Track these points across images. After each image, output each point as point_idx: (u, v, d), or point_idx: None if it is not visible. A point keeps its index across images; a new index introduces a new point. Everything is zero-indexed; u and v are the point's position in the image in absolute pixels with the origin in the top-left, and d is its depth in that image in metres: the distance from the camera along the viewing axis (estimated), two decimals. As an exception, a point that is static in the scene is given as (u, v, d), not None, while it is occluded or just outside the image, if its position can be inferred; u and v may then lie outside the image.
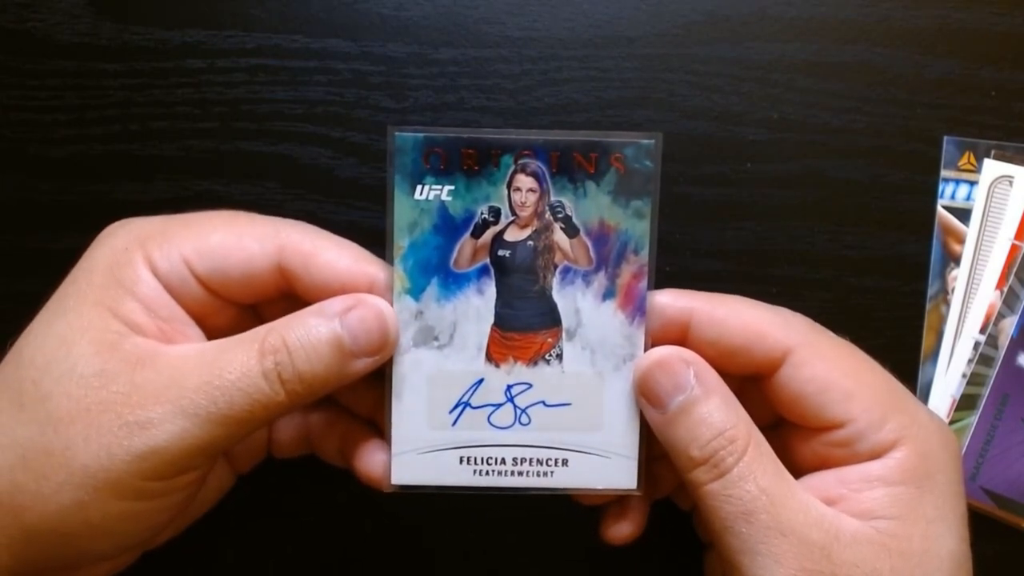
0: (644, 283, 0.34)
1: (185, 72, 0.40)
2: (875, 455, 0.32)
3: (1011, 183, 0.41)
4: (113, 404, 0.30)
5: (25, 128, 0.40)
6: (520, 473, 0.34)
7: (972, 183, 0.41)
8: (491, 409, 0.34)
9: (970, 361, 0.41)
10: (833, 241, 0.41)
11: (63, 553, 0.30)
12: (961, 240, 0.41)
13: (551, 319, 0.34)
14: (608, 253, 0.33)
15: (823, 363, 0.33)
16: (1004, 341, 0.41)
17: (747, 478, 0.31)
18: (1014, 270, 0.41)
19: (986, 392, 0.41)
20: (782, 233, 0.41)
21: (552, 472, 0.34)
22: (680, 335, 0.34)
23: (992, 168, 0.41)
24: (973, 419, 0.41)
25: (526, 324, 0.34)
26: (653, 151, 0.33)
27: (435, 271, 0.33)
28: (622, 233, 0.33)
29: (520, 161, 0.33)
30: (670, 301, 0.34)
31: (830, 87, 0.41)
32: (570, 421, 0.34)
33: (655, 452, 0.34)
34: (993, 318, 0.41)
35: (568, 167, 0.33)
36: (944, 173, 0.41)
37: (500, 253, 0.33)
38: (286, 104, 0.40)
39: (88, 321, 0.31)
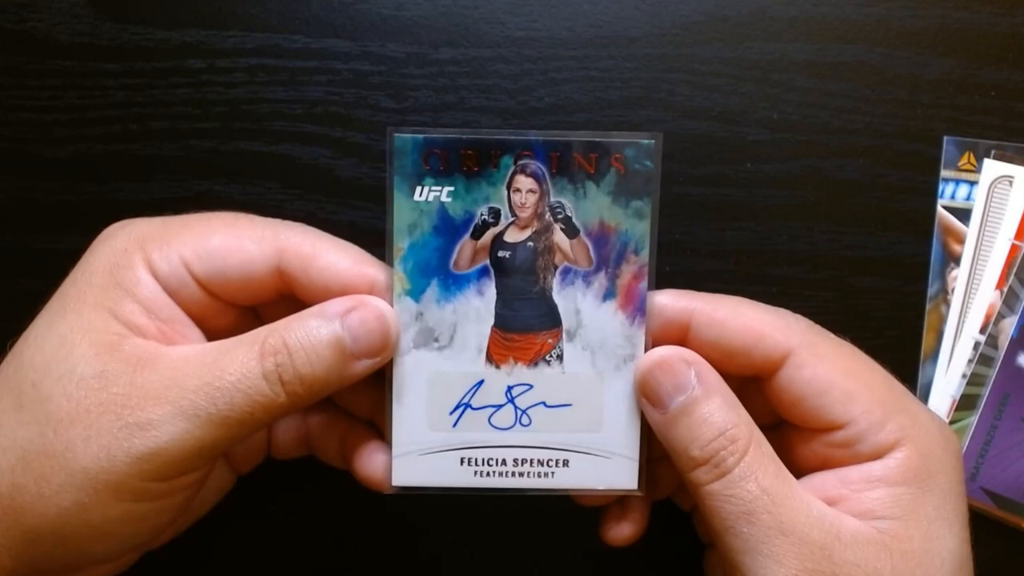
0: (644, 283, 0.34)
1: (185, 72, 0.40)
2: (876, 455, 0.32)
3: (1011, 183, 0.41)
4: (113, 405, 0.30)
5: (25, 128, 0.40)
6: (521, 474, 0.34)
7: (972, 183, 0.41)
8: (492, 410, 0.34)
9: (970, 361, 0.41)
10: (833, 241, 0.41)
11: (63, 554, 0.30)
12: (961, 240, 0.41)
13: (551, 320, 0.34)
14: (608, 253, 0.33)
15: (823, 364, 0.33)
16: (1004, 341, 0.41)
17: (748, 478, 0.31)
18: (1014, 270, 0.41)
19: (986, 392, 0.41)
20: (782, 233, 0.41)
21: (553, 473, 0.34)
22: (680, 336, 0.34)
23: (992, 168, 0.41)
24: (973, 419, 0.41)
25: (526, 325, 0.34)
26: (653, 151, 0.33)
27: (435, 272, 0.33)
28: (622, 233, 0.33)
29: (520, 162, 0.33)
30: (670, 301, 0.34)
31: (830, 87, 0.41)
32: (571, 422, 0.34)
33: (656, 453, 0.35)
34: (993, 318, 0.41)
35: (568, 168, 0.33)
36: (944, 173, 0.41)
37: (500, 254, 0.33)
38: (286, 104, 0.40)
39: (88, 322, 0.31)
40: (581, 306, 0.34)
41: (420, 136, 0.33)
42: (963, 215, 0.41)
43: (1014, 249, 0.41)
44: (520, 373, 0.34)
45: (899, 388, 0.33)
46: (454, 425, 0.34)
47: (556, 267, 0.34)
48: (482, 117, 0.41)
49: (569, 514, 0.38)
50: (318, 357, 0.31)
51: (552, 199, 0.33)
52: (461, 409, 0.34)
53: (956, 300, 0.41)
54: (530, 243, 0.33)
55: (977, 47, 0.41)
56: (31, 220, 0.41)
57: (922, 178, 0.41)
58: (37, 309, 0.32)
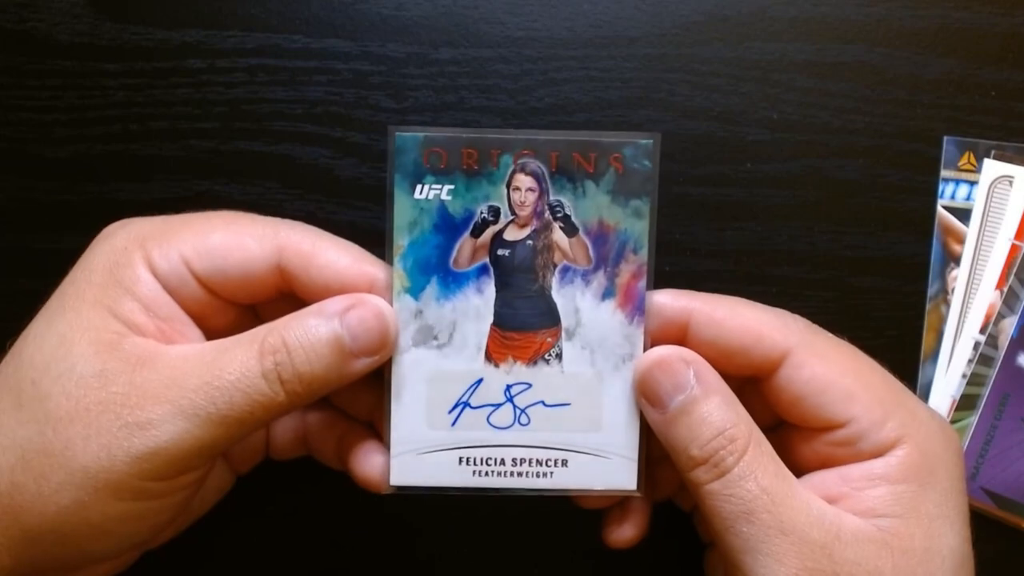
0: (643, 283, 0.34)
1: (185, 72, 0.40)
2: (877, 454, 0.32)
3: (1011, 183, 0.41)
4: (112, 404, 0.30)
5: (25, 128, 0.40)
6: (519, 474, 0.34)
7: (972, 183, 0.41)
8: (490, 409, 0.34)
9: (970, 361, 0.41)
10: (833, 241, 0.41)
11: (63, 553, 0.30)
12: (961, 240, 0.41)
13: (550, 319, 0.34)
14: (607, 252, 0.33)
15: (822, 363, 0.33)
16: (1004, 341, 0.41)
17: (748, 477, 0.31)
18: (1014, 270, 0.41)
19: (986, 392, 0.41)
20: (782, 233, 0.41)
21: (552, 473, 0.34)
22: (679, 335, 0.34)
23: (992, 168, 0.41)
24: (973, 419, 0.41)
25: (525, 323, 0.34)
26: (652, 151, 0.33)
27: (435, 270, 0.33)
28: (621, 232, 0.33)
29: (520, 161, 0.33)
30: (669, 301, 0.34)
31: (830, 87, 0.41)
32: (570, 421, 0.34)
33: (656, 454, 0.34)
34: (993, 318, 0.41)
35: (567, 167, 0.33)
36: (944, 173, 0.41)
37: (499, 252, 0.33)
38: (286, 104, 0.40)
39: (87, 321, 0.31)
40: (580, 305, 0.34)
41: (421, 134, 0.33)
42: (963, 215, 0.41)
43: (1014, 249, 0.41)
44: (519, 372, 0.34)
45: (898, 386, 0.33)
46: (453, 424, 0.34)
47: (555, 266, 0.34)
48: (482, 117, 0.41)
49: (569, 514, 0.38)
50: (317, 356, 0.31)
51: (551, 198, 0.33)
52: (460, 408, 0.34)
53: (956, 300, 0.41)
54: (529, 241, 0.33)
55: (977, 47, 0.41)
56: (31, 220, 0.41)
57: (922, 178, 0.41)
58: (37, 309, 0.32)
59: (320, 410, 0.37)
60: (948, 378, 0.41)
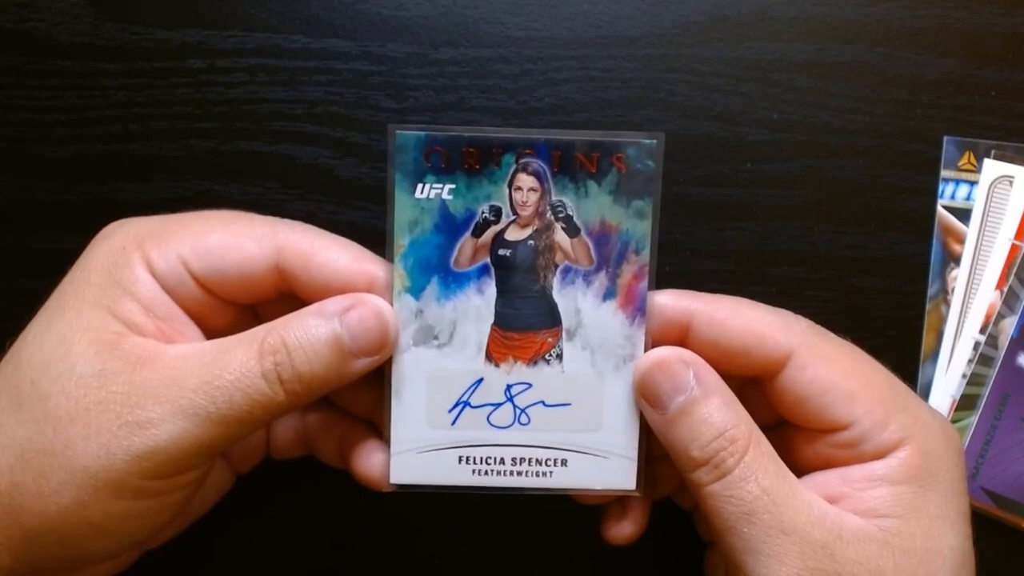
0: (645, 283, 0.34)
1: (185, 72, 0.40)
2: (879, 455, 0.32)
3: (1011, 183, 0.41)
4: (112, 404, 0.30)
5: (25, 128, 0.40)
6: (519, 473, 0.34)
7: (972, 183, 0.41)
8: (491, 409, 0.34)
9: (970, 361, 0.41)
10: (833, 241, 0.41)
11: (63, 553, 0.30)
12: (961, 240, 0.41)
13: (551, 319, 0.34)
14: (609, 253, 0.33)
15: (825, 365, 0.33)
16: (1004, 341, 0.41)
17: (748, 478, 0.31)
18: (1014, 270, 0.41)
19: (986, 392, 0.41)
20: (782, 233, 0.41)
21: (551, 472, 0.34)
22: (680, 336, 0.34)
23: (992, 168, 0.41)
24: (973, 419, 0.41)
25: (526, 324, 0.34)
26: (655, 151, 0.33)
27: (435, 270, 0.33)
28: (623, 233, 0.33)
29: (521, 160, 0.33)
30: (670, 301, 0.34)
31: (830, 87, 0.41)
32: (570, 421, 0.34)
33: (655, 452, 0.34)
34: (993, 318, 0.41)
35: (569, 166, 0.33)
36: (944, 173, 0.41)
37: (501, 252, 0.33)
38: (286, 104, 0.40)
39: (87, 321, 0.31)
40: (581, 305, 0.34)
41: (422, 133, 0.33)
42: (963, 215, 0.41)
43: (1014, 249, 0.41)
44: (519, 372, 0.34)
45: (900, 387, 0.33)
46: (453, 423, 0.34)
47: (557, 266, 0.34)
48: (482, 117, 0.41)
49: (569, 514, 0.38)
50: (317, 356, 0.31)
51: (553, 198, 0.33)
52: (460, 407, 0.34)
53: (956, 300, 0.41)
54: (531, 242, 0.33)
55: (977, 47, 0.41)
56: (31, 220, 0.41)
57: (922, 178, 0.41)
58: (37, 309, 0.32)
59: (320, 409, 0.37)
60: (948, 378, 0.41)
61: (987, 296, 0.41)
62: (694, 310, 0.34)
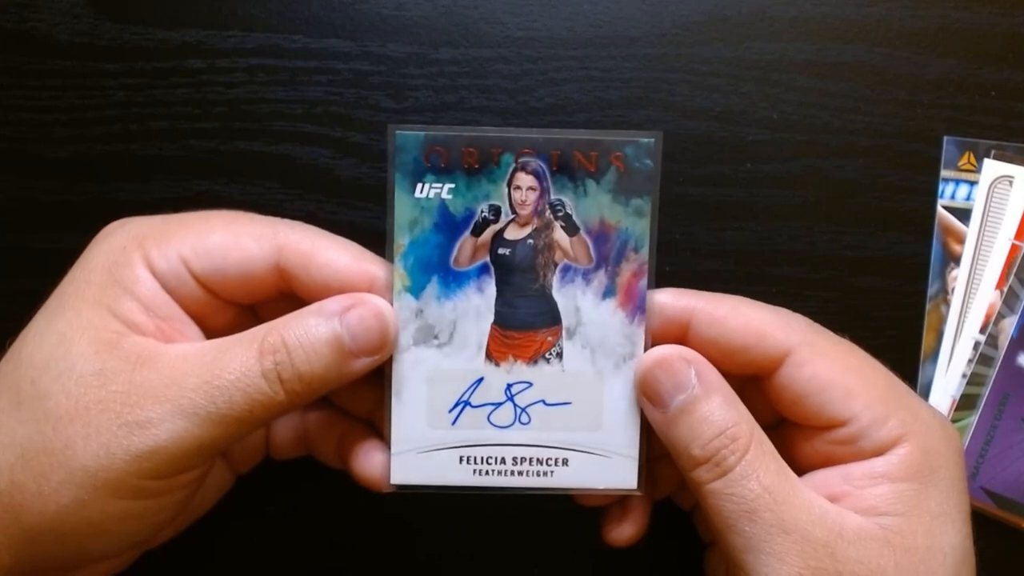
0: (644, 282, 0.34)
1: (185, 72, 0.40)
2: (878, 452, 0.32)
3: (1011, 183, 0.41)
4: (112, 403, 0.30)
5: (25, 128, 0.40)
6: (520, 473, 0.34)
7: (972, 183, 0.41)
8: (491, 408, 0.34)
9: (970, 361, 0.41)
10: (833, 241, 0.41)
11: (63, 552, 0.30)
12: (961, 240, 0.41)
13: (551, 318, 0.34)
14: (608, 251, 0.33)
15: (824, 362, 0.33)
16: (1004, 341, 0.41)
17: (749, 477, 0.31)
18: (1014, 270, 0.41)
19: (986, 392, 0.41)
20: (782, 233, 0.41)
21: (552, 472, 0.34)
22: (680, 334, 0.34)
23: (992, 168, 0.41)
24: (973, 419, 0.41)
25: (526, 323, 0.34)
26: (653, 150, 0.33)
27: (435, 269, 0.33)
28: (622, 231, 0.33)
29: (521, 159, 0.33)
30: (670, 300, 0.34)
31: (830, 87, 0.41)
32: (570, 420, 0.34)
33: (656, 452, 0.34)
34: (993, 318, 0.41)
35: (568, 166, 0.33)
36: (944, 173, 0.41)
37: (500, 251, 0.33)
38: (286, 104, 0.40)
39: (87, 320, 0.31)
40: (581, 304, 0.34)
41: (421, 133, 0.33)
42: (963, 215, 0.41)
43: (1014, 249, 0.41)
44: (520, 371, 0.34)
45: (900, 385, 0.33)
46: (453, 423, 0.34)
47: (556, 265, 0.34)
48: (482, 117, 0.41)
49: (569, 514, 0.38)
50: (317, 355, 0.31)
51: (552, 197, 0.33)
52: (460, 407, 0.34)
53: (956, 300, 0.41)
54: (530, 240, 0.33)
55: (977, 47, 0.41)
56: (31, 220, 0.41)
57: (922, 178, 0.41)
58: (37, 308, 0.32)
59: (320, 409, 0.37)
60: (948, 378, 0.41)
61: (987, 296, 0.41)
62: (694, 308, 0.34)
